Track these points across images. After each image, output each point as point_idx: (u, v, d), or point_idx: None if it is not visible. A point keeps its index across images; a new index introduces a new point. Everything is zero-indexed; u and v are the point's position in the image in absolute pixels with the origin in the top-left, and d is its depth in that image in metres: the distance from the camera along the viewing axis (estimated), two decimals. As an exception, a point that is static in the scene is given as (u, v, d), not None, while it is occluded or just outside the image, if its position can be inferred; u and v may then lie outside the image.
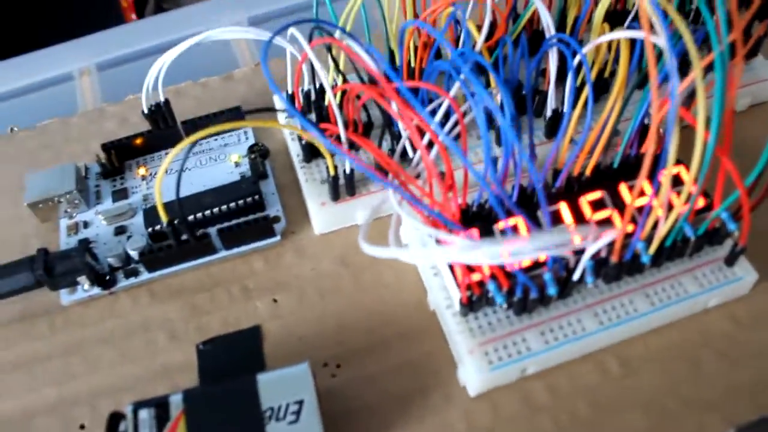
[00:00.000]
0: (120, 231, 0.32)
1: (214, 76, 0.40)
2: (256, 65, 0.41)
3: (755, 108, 0.36)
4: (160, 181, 0.27)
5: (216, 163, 0.34)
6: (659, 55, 0.27)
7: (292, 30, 0.29)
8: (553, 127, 0.33)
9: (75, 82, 0.43)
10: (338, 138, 0.29)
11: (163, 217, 0.29)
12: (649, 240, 0.27)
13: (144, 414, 0.25)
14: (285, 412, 0.25)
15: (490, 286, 0.26)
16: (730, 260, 0.29)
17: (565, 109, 0.29)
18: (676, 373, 0.28)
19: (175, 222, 0.29)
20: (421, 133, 0.25)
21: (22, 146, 0.38)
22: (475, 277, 0.26)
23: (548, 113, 0.32)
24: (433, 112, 0.29)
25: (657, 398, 0.27)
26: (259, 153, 0.34)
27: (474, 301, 0.27)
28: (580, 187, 0.30)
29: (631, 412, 0.27)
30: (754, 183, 0.26)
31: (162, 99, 0.33)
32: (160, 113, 0.34)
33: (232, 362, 0.29)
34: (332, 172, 0.30)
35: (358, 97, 0.29)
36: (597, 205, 0.30)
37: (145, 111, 0.33)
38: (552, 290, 0.26)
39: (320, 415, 0.25)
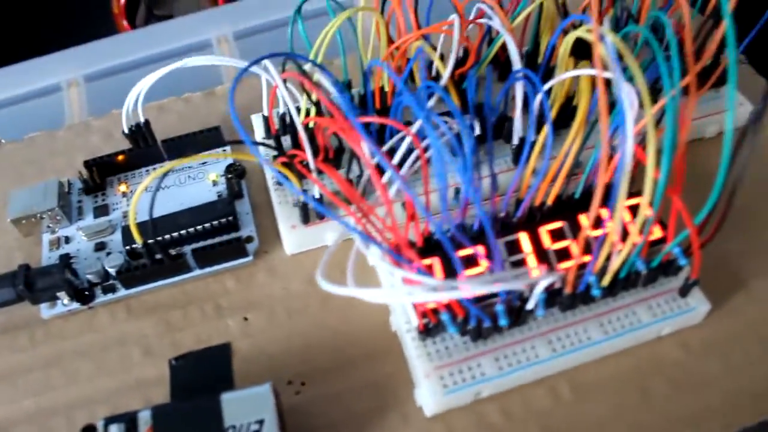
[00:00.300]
0: (100, 247, 0.34)
1: (197, 91, 0.41)
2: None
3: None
4: (134, 206, 0.29)
5: (194, 181, 0.36)
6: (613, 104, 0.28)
7: (265, 62, 0.30)
8: (520, 155, 0.34)
9: (63, 93, 0.44)
10: (308, 165, 0.31)
11: (138, 240, 0.30)
12: (603, 272, 0.28)
13: (114, 429, 0.26)
14: (246, 431, 0.26)
15: (444, 317, 0.27)
16: (684, 291, 0.30)
17: (527, 142, 0.30)
18: (626, 399, 0.29)
19: (149, 243, 0.30)
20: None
21: (8, 159, 0.39)
22: (431, 305, 0.27)
23: (515, 141, 0.33)
24: (402, 139, 0.30)
25: (606, 424, 0.28)
26: (235, 174, 0.35)
27: (430, 328, 0.28)
28: (542, 216, 0.31)
29: (581, 437, 0.28)
30: (704, 220, 0.27)
31: (142, 120, 0.34)
32: (140, 133, 0.35)
33: (203, 378, 0.31)
34: (301, 198, 0.31)
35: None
36: (557, 235, 0.31)
37: (126, 131, 0.34)
38: (503, 321, 0.27)
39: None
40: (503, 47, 0.36)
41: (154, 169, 0.36)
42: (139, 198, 0.28)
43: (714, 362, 0.30)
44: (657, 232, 0.30)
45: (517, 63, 0.31)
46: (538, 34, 0.36)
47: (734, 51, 0.24)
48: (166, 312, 0.32)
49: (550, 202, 0.31)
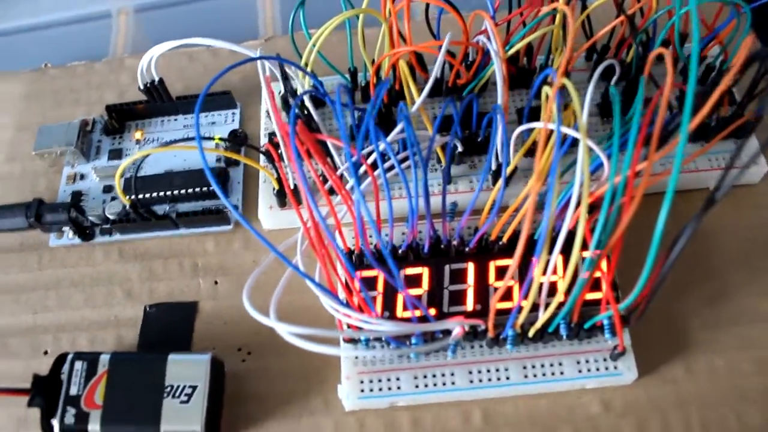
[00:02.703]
0: (108, 189, 0.37)
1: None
2: (266, 40, 0.43)
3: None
4: (120, 174, 0.32)
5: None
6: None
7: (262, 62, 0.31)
8: (496, 177, 0.34)
9: (112, 20, 0.47)
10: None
11: (126, 203, 0.33)
12: (533, 321, 0.29)
13: (78, 365, 0.31)
14: (180, 392, 0.30)
15: (362, 340, 0.29)
16: (614, 357, 0.30)
17: (484, 171, 0.30)
18: (530, 440, 0.30)
19: (135, 202, 0.34)
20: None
21: (50, 85, 0.43)
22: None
23: (492, 165, 0.33)
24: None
25: (503, 458, 0.30)
26: (235, 141, 0.37)
27: (355, 340, 0.30)
28: (497, 249, 0.31)
29: (476, 464, 0.30)
30: (632, 305, 0.27)
31: (156, 78, 0.37)
32: (155, 89, 0.37)
33: (168, 329, 0.35)
34: (276, 187, 0.33)
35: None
36: (503, 273, 0.31)
37: (141, 87, 0.37)
38: (415, 358, 0.29)
39: (206, 401, 0.30)
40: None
41: (168, 121, 0.39)
42: (122, 171, 0.31)
43: (628, 426, 0.30)
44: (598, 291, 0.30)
45: (500, 96, 0.30)
46: (551, 49, 0.34)
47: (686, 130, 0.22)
48: (151, 261, 0.36)
49: (505, 239, 0.31)
